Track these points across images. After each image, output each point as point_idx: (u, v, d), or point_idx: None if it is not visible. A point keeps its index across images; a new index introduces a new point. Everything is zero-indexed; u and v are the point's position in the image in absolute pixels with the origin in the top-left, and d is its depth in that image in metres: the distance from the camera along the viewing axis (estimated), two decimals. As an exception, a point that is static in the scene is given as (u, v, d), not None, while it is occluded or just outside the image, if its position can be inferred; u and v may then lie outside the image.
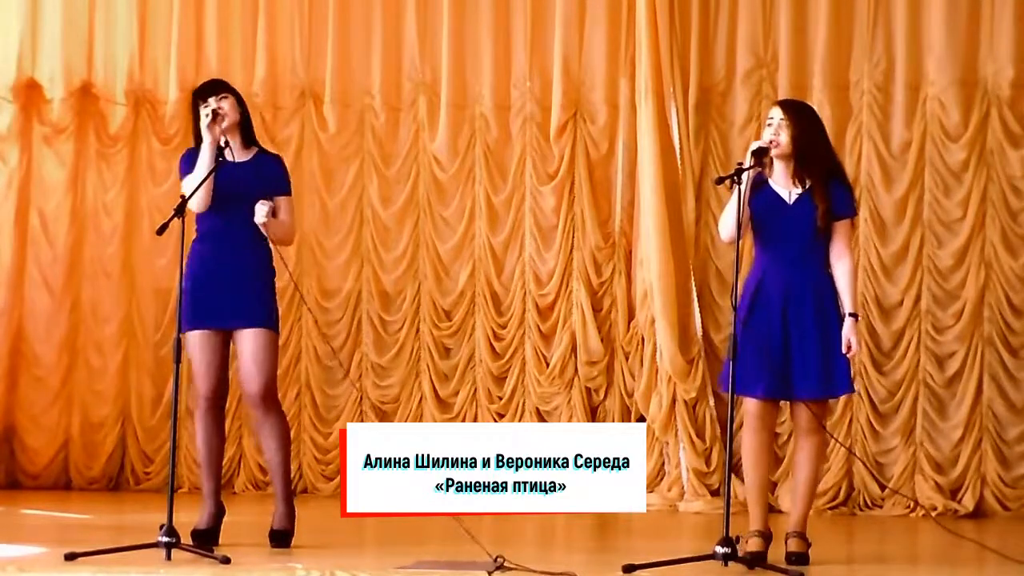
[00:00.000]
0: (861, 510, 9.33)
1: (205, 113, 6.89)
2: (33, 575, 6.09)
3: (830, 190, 6.65)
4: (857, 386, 9.30)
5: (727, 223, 6.63)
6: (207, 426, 7.03)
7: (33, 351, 10.11)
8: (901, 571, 6.98)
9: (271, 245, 7.07)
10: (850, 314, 6.61)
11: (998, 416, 9.33)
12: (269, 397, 6.99)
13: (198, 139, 7.00)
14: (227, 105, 7.01)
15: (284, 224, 7.05)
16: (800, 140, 6.63)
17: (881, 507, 9.32)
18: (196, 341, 6.98)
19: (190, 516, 6.89)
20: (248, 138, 7.12)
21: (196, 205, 6.89)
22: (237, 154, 7.03)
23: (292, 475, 9.53)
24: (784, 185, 6.69)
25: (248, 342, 6.95)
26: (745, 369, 6.53)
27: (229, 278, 6.95)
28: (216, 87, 7.11)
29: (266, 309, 7.02)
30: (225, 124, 6.96)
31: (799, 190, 6.67)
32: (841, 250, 6.68)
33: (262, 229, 6.93)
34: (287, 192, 7.10)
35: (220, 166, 6.82)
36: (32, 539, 7.26)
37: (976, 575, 6.91)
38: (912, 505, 9.22)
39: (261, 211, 6.88)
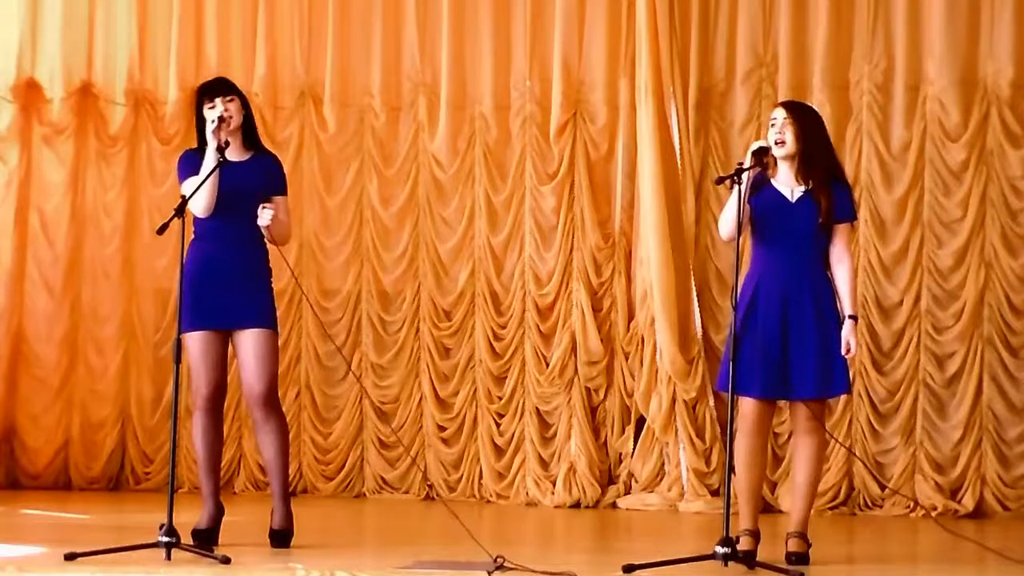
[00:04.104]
0: (861, 510, 9.32)
1: (211, 119, 6.87)
2: (33, 575, 6.09)
3: (832, 191, 6.71)
4: (857, 386, 9.31)
5: (727, 222, 6.65)
6: (206, 426, 7.00)
7: (33, 351, 10.10)
8: (901, 571, 6.98)
9: (268, 244, 7.07)
10: (850, 316, 6.66)
11: (998, 416, 9.32)
12: (271, 397, 6.98)
13: (201, 137, 6.99)
14: (233, 108, 6.98)
15: (282, 223, 7.03)
16: (804, 140, 6.71)
17: (881, 507, 9.31)
18: (196, 342, 6.95)
19: (190, 516, 6.88)
20: (250, 140, 7.09)
21: (200, 209, 6.86)
22: (235, 154, 6.98)
23: (292, 475, 9.60)
24: (787, 184, 6.73)
25: (249, 342, 6.93)
26: (743, 369, 6.54)
27: (228, 278, 6.93)
28: (223, 88, 7.06)
29: (266, 309, 7.00)
30: (231, 127, 6.94)
31: (802, 189, 6.72)
32: (841, 253, 6.74)
33: (264, 232, 6.93)
34: (285, 192, 7.10)
35: (220, 166, 6.78)
36: (32, 539, 7.26)
37: (976, 575, 6.91)
38: (912, 505, 9.22)
39: (266, 215, 6.87)
